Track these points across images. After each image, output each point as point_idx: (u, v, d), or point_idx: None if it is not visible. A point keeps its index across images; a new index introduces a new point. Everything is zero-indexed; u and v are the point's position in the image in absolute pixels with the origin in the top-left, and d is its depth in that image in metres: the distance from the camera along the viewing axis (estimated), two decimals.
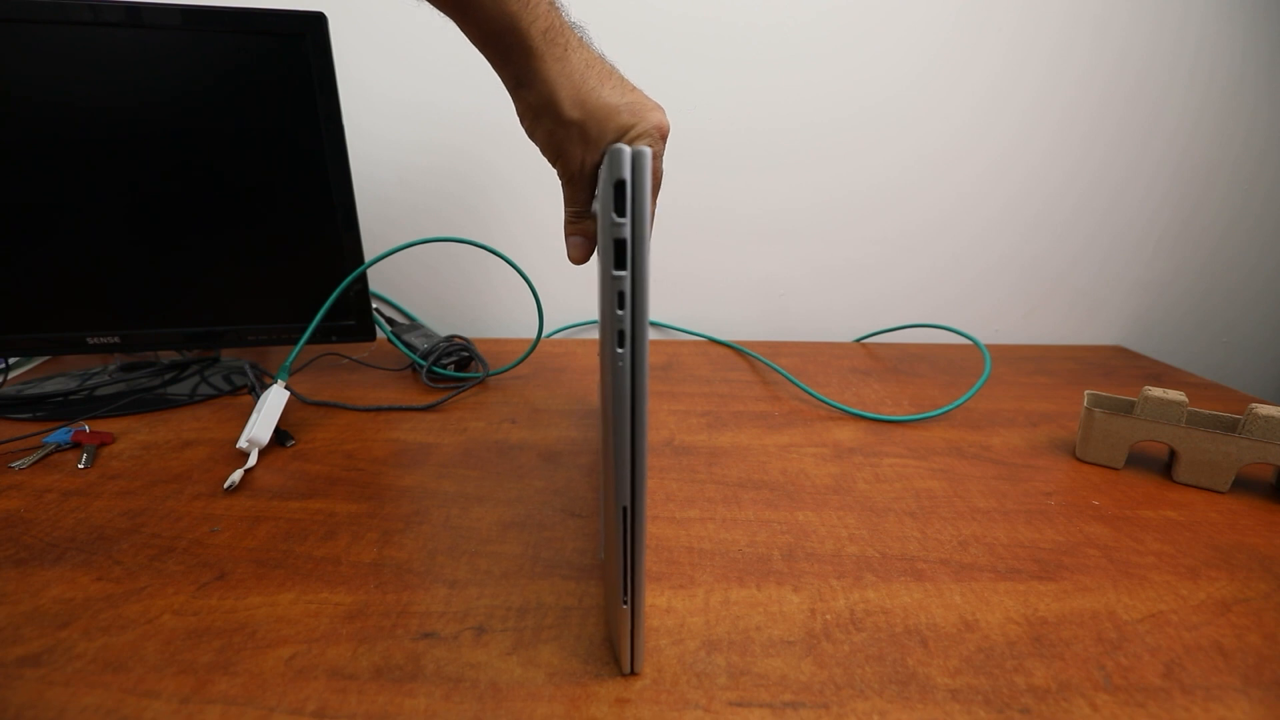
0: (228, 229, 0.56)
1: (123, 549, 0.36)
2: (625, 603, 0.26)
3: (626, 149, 0.21)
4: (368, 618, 0.31)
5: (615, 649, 0.29)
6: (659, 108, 0.35)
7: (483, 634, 0.31)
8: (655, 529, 0.40)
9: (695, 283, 0.83)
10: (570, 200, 0.37)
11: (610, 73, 0.34)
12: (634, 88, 0.34)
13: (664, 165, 0.77)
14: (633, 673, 0.28)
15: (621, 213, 0.21)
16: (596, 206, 0.33)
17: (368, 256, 0.60)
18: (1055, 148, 0.79)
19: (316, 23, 0.53)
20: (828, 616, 0.32)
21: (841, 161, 0.78)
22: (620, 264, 0.21)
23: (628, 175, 0.21)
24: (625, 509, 0.25)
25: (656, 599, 0.33)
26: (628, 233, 0.21)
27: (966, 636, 0.31)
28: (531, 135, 0.35)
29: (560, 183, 0.37)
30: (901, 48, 0.74)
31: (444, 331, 0.81)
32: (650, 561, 0.36)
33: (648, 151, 0.21)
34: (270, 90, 0.54)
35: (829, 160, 0.78)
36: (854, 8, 0.72)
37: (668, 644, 0.30)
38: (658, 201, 0.36)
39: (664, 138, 0.35)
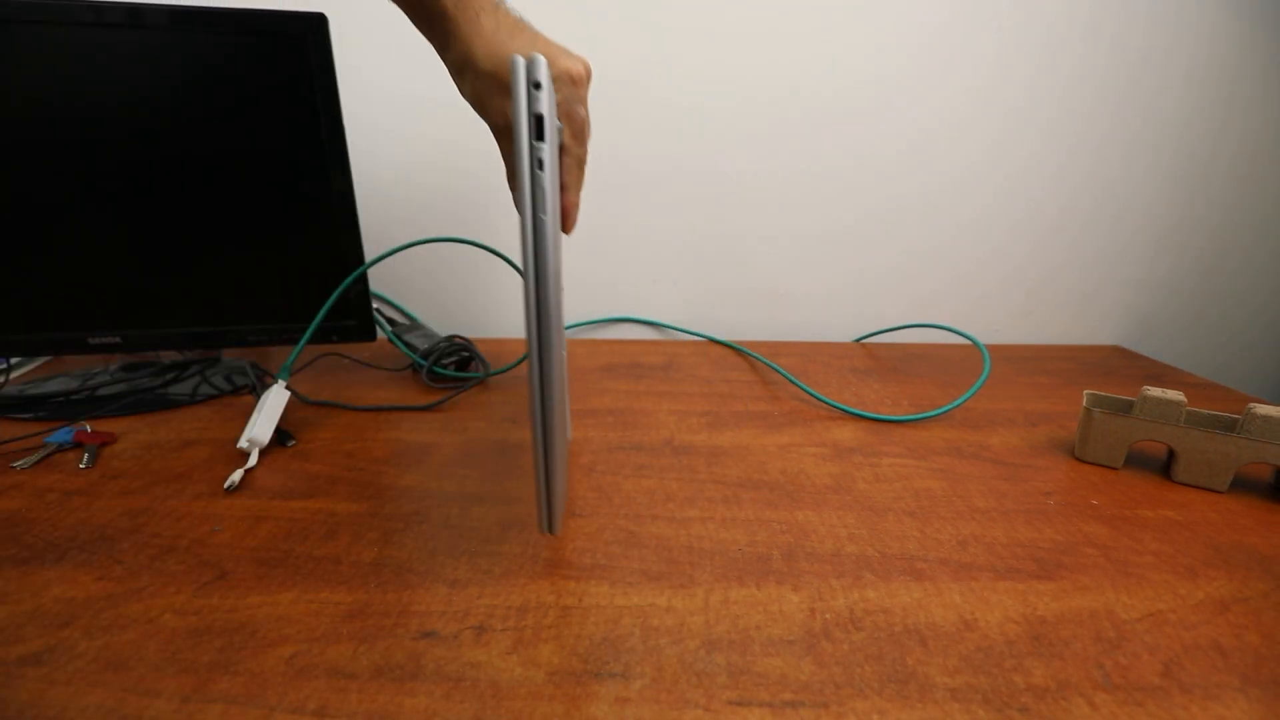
0: (229, 229, 0.57)
1: (124, 548, 0.36)
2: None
3: (520, 57, 0.25)
4: (368, 617, 0.32)
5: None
6: (573, 56, 0.37)
7: (483, 633, 0.31)
8: (655, 529, 0.40)
9: (695, 283, 0.83)
10: (507, 155, 0.40)
11: (523, 29, 0.37)
12: (549, 42, 0.38)
13: (659, 172, 0.77)
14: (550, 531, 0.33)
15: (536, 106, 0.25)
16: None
17: (368, 256, 0.60)
18: (1053, 148, 0.79)
19: (318, 24, 0.53)
20: (827, 616, 0.33)
21: (841, 161, 0.78)
22: (539, 136, 0.26)
23: (542, 76, 0.25)
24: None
25: (656, 598, 0.33)
26: (544, 108, 0.25)
27: (966, 636, 0.31)
28: (462, 93, 0.39)
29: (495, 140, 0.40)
30: (899, 47, 0.74)
31: (444, 331, 0.81)
32: (650, 561, 0.37)
33: (539, 56, 0.25)
34: (271, 91, 0.54)
35: (829, 160, 0.78)
36: (854, 5, 0.72)
37: (667, 643, 0.30)
38: (588, 147, 0.40)
39: (575, 82, 0.36)
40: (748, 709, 0.27)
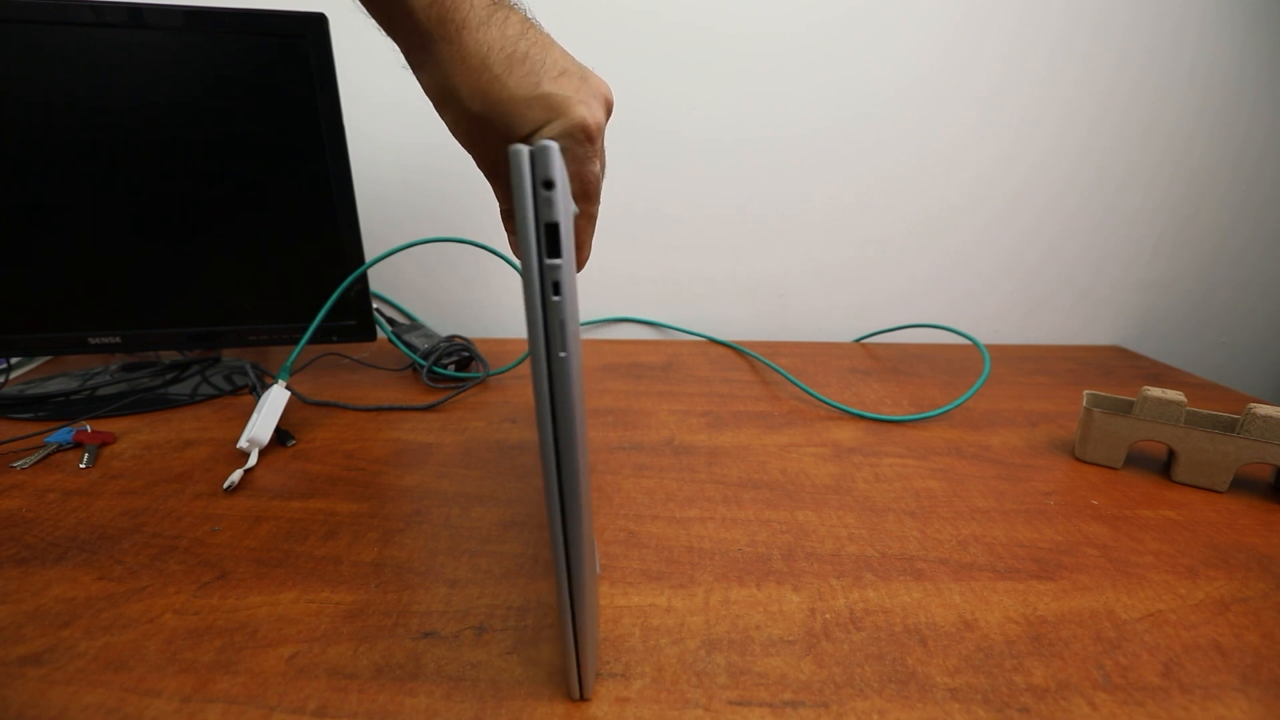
0: (229, 229, 0.57)
1: (124, 548, 0.36)
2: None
3: (523, 150, 0.18)
4: (368, 617, 0.32)
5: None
6: (589, 99, 0.29)
7: (483, 633, 0.31)
8: (655, 529, 0.40)
9: (695, 283, 0.83)
10: (500, 197, 0.33)
11: (524, 57, 0.27)
12: (559, 74, 0.28)
13: (659, 171, 0.77)
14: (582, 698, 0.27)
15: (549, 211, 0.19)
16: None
17: (368, 256, 0.60)
18: (1055, 148, 0.79)
19: (317, 23, 0.53)
20: (827, 616, 0.33)
21: (842, 162, 0.78)
22: (554, 252, 0.19)
23: (524, 177, 0.18)
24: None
25: (656, 598, 0.33)
26: (560, 218, 0.19)
27: (966, 636, 0.31)
28: (444, 120, 0.30)
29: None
30: (902, 50, 0.74)
31: (444, 331, 0.81)
32: (650, 561, 0.37)
33: (551, 145, 0.18)
34: (271, 90, 0.54)
35: (829, 161, 0.78)
36: (854, 11, 0.72)
37: (668, 643, 0.30)
38: (599, 201, 0.33)
39: (590, 138, 0.29)
40: (748, 709, 0.27)
